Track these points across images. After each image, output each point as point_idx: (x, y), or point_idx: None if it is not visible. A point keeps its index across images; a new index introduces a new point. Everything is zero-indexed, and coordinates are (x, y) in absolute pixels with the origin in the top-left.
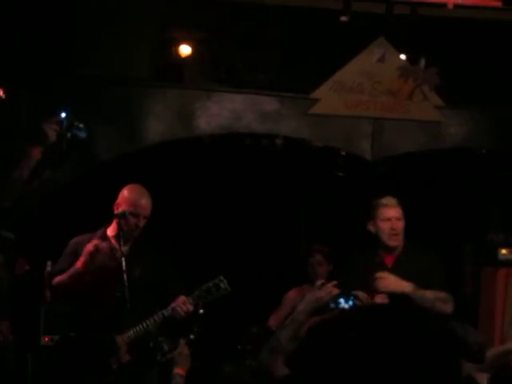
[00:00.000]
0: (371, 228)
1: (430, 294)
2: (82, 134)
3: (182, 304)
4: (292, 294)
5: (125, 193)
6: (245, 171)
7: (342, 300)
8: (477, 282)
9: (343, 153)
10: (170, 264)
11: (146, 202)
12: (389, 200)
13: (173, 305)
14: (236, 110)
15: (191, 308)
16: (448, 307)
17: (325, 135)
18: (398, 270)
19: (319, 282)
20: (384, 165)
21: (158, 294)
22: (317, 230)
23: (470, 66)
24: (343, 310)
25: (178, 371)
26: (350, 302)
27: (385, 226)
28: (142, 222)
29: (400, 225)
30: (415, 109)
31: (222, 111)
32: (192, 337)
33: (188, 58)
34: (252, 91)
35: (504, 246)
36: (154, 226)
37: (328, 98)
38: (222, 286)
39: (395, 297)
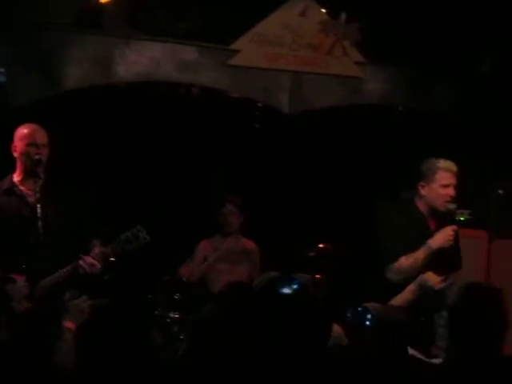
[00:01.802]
0: (422, 191)
1: None
2: (1, 78)
3: (89, 263)
4: (203, 245)
5: (19, 131)
6: (162, 120)
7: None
8: None
9: (260, 105)
10: (88, 206)
11: (41, 133)
12: (449, 164)
13: (79, 261)
14: (155, 59)
15: (98, 266)
16: None
17: (243, 87)
18: None
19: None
20: (301, 118)
21: (75, 237)
22: (231, 180)
23: (392, 23)
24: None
25: (68, 324)
26: (294, 286)
27: (443, 193)
28: (42, 152)
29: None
30: (335, 64)
31: (141, 59)
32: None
33: (108, 4)
34: (171, 40)
35: None
36: (71, 169)
37: (248, 49)
38: (140, 235)
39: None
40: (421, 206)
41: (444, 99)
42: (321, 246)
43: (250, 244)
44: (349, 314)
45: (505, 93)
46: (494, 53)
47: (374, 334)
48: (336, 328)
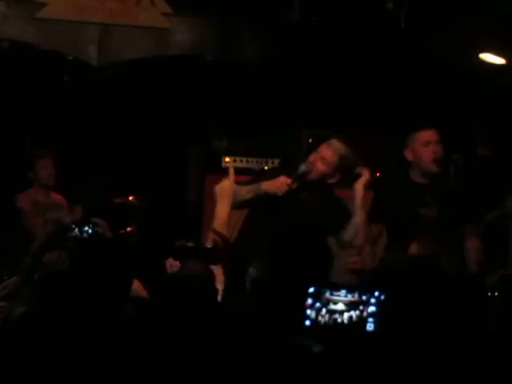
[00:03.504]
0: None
1: None
2: None
3: None
4: (19, 198)
5: None
6: None
7: (78, 228)
8: (201, 190)
9: (70, 58)
10: None
11: None
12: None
13: None
14: None
15: None
16: None
17: (51, 40)
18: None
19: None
20: (110, 70)
21: None
22: (42, 135)
23: None
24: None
25: None
26: (90, 231)
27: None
28: None
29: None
30: (143, 15)
31: None
32: None
33: None
34: None
35: (227, 154)
36: None
37: (55, 1)
38: None
39: None
40: None
41: (252, 48)
42: (129, 197)
43: (59, 198)
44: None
45: (311, 41)
46: (301, 1)
47: None
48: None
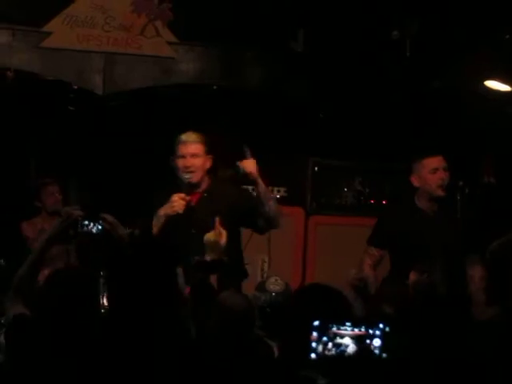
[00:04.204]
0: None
1: None
2: None
3: None
4: (24, 227)
5: None
6: None
7: (89, 223)
8: None
9: (75, 87)
10: None
11: None
12: None
13: None
14: None
15: None
16: None
17: (57, 69)
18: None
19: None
20: (115, 99)
21: None
22: (48, 163)
23: (202, 1)
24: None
25: None
26: (99, 226)
27: None
28: None
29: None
30: (148, 44)
31: None
32: None
33: None
34: None
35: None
36: None
37: (60, 31)
38: None
39: None
40: None
41: (256, 77)
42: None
43: None
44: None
45: (316, 70)
46: (306, 31)
47: None
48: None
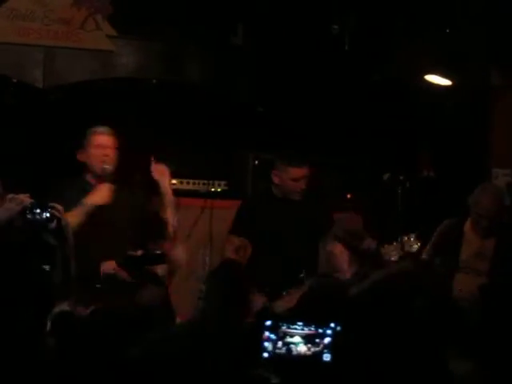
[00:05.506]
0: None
1: None
2: None
3: None
4: None
5: None
6: None
7: (38, 210)
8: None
9: (14, 80)
10: None
11: None
12: None
13: None
14: None
15: None
16: None
17: None
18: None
19: (10, 196)
20: (55, 93)
21: None
22: None
23: None
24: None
25: None
26: (47, 214)
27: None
28: None
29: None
30: (88, 38)
31: None
32: None
33: None
34: None
35: (174, 177)
36: None
37: (0, 24)
38: None
39: None
40: None
41: (196, 71)
42: None
43: None
44: None
45: (256, 64)
46: (246, 25)
47: None
48: None
